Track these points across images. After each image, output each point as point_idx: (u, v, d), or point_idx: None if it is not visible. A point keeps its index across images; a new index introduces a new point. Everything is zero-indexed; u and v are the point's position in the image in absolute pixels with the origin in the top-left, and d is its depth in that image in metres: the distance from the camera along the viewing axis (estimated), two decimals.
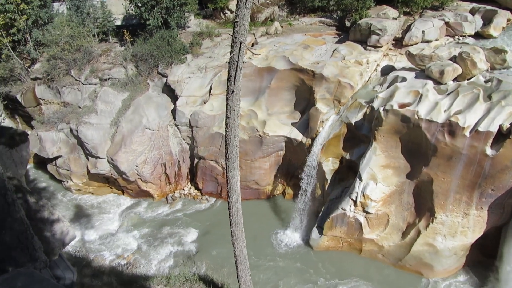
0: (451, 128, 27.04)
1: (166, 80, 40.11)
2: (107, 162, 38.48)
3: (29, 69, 43.93)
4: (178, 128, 39.64)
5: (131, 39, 43.41)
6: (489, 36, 38.26)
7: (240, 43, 9.81)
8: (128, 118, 38.63)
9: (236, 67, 10.18)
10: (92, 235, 36.89)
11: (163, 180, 40.54)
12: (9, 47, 41.86)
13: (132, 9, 44.67)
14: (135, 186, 39.57)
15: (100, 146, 38.16)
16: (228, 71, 10.53)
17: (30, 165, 43.68)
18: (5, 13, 40.46)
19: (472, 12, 40.38)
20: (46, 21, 44.37)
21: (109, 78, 41.47)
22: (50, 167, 41.62)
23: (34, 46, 44.08)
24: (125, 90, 40.57)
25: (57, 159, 40.29)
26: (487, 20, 39.10)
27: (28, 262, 5.70)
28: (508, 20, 39.68)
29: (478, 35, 38.95)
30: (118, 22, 47.96)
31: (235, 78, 10.23)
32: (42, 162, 42.95)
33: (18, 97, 42.77)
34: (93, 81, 41.41)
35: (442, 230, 29.46)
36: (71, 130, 39.09)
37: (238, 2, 9.73)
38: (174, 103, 39.35)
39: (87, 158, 39.49)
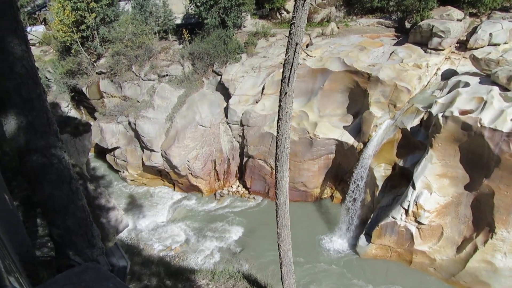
0: None
1: (220, 78, 40.93)
2: (161, 155, 40.04)
3: (94, 64, 46.82)
4: (229, 126, 40.32)
5: (189, 38, 44.78)
6: None
7: (296, 45, 9.78)
8: (182, 114, 39.92)
9: (291, 69, 10.16)
10: (143, 225, 38.59)
11: (213, 177, 41.45)
12: (79, 43, 44.85)
13: (191, 8, 46.07)
14: (185, 180, 40.82)
15: (155, 140, 39.78)
16: (283, 72, 10.54)
17: (91, 154, 46.55)
18: (76, 11, 43.41)
19: None
20: (113, 18, 47.01)
21: (166, 75, 43.08)
22: (108, 157, 44.10)
23: (100, 42, 46.90)
24: (181, 87, 41.95)
25: (115, 150, 42.61)
26: None
27: (86, 248, 6.08)
28: None
29: None
30: (178, 21, 49.73)
31: (289, 79, 10.22)
32: (101, 152, 45.61)
33: (84, 89, 45.73)
34: (152, 77, 43.24)
35: (503, 248, 27.45)
36: (129, 123, 41.13)
37: (295, 3, 9.70)
38: (227, 101, 40.07)
39: (143, 151, 41.35)
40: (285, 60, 10.36)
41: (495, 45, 35.58)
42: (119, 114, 42.31)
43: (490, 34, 35.60)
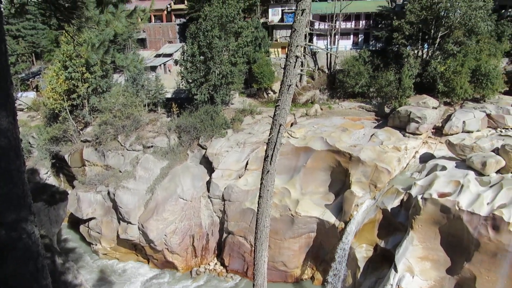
0: (495, 222, 25.43)
1: (205, 152, 41.36)
2: (138, 228, 38.73)
3: (81, 132, 47.06)
4: (210, 200, 39.85)
5: (178, 111, 46.03)
6: None
7: (280, 126, 10.16)
8: (164, 186, 39.50)
9: (274, 148, 10.43)
10: None
11: (190, 253, 39.88)
12: (68, 110, 45.48)
13: (182, 84, 47.99)
14: (161, 256, 39.10)
15: (133, 212, 38.76)
16: (266, 151, 10.78)
17: (64, 224, 44.70)
18: (70, 80, 44.68)
19: None
20: (105, 89, 48.36)
21: (152, 146, 43.40)
22: (82, 228, 42.37)
23: (89, 111, 47.66)
24: (165, 158, 42.06)
25: (90, 220, 41.11)
26: None
27: None
28: None
29: None
30: (169, 95, 51.48)
31: (271, 158, 10.42)
32: (75, 222, 43.87)
33: (66, 157, 45.32)
34: (137, 147, 43.44)
35: None
36: (108, 193, 40.30)
37: (281, 87, 10.28)
38: (210, 175, 40.07)
39: (119, 223, 40.01)
40: (269, 139, 10.67)
41: (468, 132, 37.57)
42: (99, 183, 41.60)
43: (464, 122, 37.74)
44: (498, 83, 42.23)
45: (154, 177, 40.55)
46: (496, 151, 31.36)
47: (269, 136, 10.61)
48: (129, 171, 41.53)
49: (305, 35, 47.83)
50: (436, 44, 45.52)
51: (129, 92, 47.34)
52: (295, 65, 9.38)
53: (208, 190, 39.82)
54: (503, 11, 51.78)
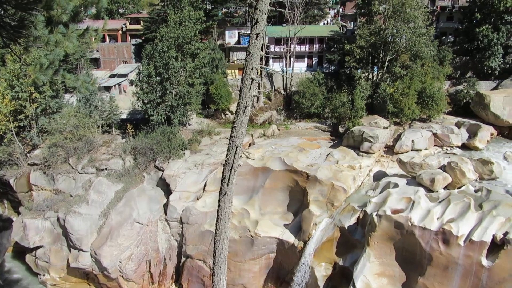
0: (445, 236, 26.67)
1: (162, 174, 40.44)
2: (90, 255, 36.75)
3: (28, 155, 44.50)
4: (168, 224, 38.76)
5: (133, 133, 44.91)
6: (475, 148, 39.90)
7: (236, 147, 10.17)
8: (118, 210, 38.00)
9: (231, 169, 10.39)
10: None
11: (146, 279, 38.29)
12: (14, 132, 42.98)
13: (138, 105, 47.03)
14: (115, 284, 37.21)
15: (85, 238, 36.82)
16: (223, 172, 10.72)
17: (8, 254, 41.55)
18: (17, 100, 42.40)
19: (458, 125, 42.73)
20: (55, 110, 46.30)
21: (106, 169, 41.81)
22: (28, 257, 39.56)
23: (38, 133, 45.31)
24: (120, 181, 40.62)
25: (38, 249, 38.51)
26: (472, 133, 41.21)
27: None
28: (492, 134, 41.89)
29: (464, 147, 40.64)
30: (124, 116, 50.19)
31: (229, 180, 10.37)
32: (21, 252, 40.91)
33: (11, 181, 42.54)
34: (90, 170, 41.67)
35: None
36: (58, 219, 38.09)
37: (237, 109, 10.34)
38: (167, 198, 39.11)
39: (70, 250, 37.80)
40: (226, 161, 10.63)
41: (417, 150, 39.53)
42: (48, 209, 39.26)
43: (413, 141, 39.71)
44: (442, 104, 45.11)
45: (108, 201, 38.93)
46: (443, 168, 33.22)
47: (226, 157, 10.58)
48: (81, 195, 39.62)
49: (261, 57, 48.84)
50: (385, 67, 48.04)
51: (81, 113, 45.67)
52: (250, 87, 9.51)
53: (166, 213, 38.77)
54: (444, 37, 55.86)
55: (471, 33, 49.73)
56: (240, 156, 10.69)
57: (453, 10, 57.60)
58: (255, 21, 9.15)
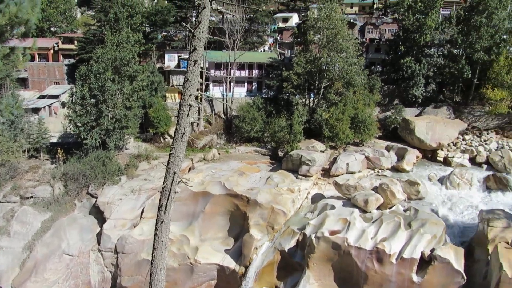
0: (379, 255, 27.96)
1: (96, 201, 38.29)
2: None
3: None
4: (101, 254, 36.46)
5: (64, 157, 42.26)
6: (403, 170, 42.78)
7: (174, 174, 9.96)
8: (45, 241, 35.13)
9: (168, 197, 10.13)
10: None
11: None
12: None
13: (70, 128, 44.50)
14: None
15: (5, 274, 33.44)
16: (160, 200, 10.41)
17: None
18: None
19: (388, 149, 45.69)
20: None
21: (31, 197, 38.71)
22: None
23: None
24: (48, 210, 37.76)
25: None
26: (400, 156, 44.25)
27: None
28: (417, 157, 45.32)
29: (394, 169, 43.42)
30: (54, 140, 47.15)
31: (166, 207, 10.09)
32: None
33: None
34: (13, 199, 38.31)
35: None
36: None
37: (174, 135, 10.19)
38: (101, 226, 36.95)
39: None
40: (163, 188, 10.35)
41: (352, 173, 41.46)
42: None
43: (347, 164, 41.64)
44: (373, 129, 48.11)
45: (33, 232, 35.86)
46: (375, 189, 35.13)
47: (163, 184, 10.31)
48: (2, 227, 36.11)
49: (201, 82, 49.00)
50: (321, 94, 50.36)
51: (4, 137, 42.14)
52: (188, 113, 9.46)
53: (99, 242, 36.48)
54: (373, 67, 60.09)
55: (396, 64, 54.00)
56: (178, 183, 10.48)
57: (380, 42, 62.33)
58: (192, 48, 9.21)
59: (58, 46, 68.01)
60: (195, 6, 58.12)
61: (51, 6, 74.27)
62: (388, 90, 56.45)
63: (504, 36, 49.76)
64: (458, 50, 51.91)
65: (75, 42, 65.57)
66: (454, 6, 63.40)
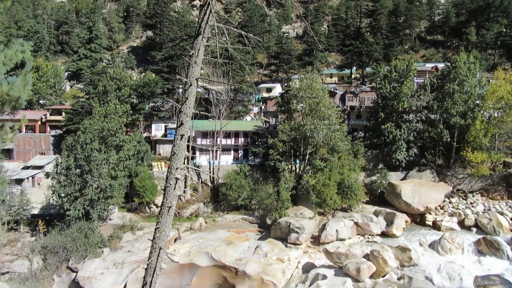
0: None
1: (76, 275, 36.31)
2: None
3: None
4: None
5: (45, 229, 40.74)
6: (393, 236, 42.31)
7: (160, 249, 9.69)
8: None
9: (153, 274, 9.75)
10: None
11: None
12: None
13: (53, 199, 43.48)
14: None
15: None
16: (144, 277, 10.00)
17: None
18: None
19: (376, 214, 45.52)
20: None
21: (7, 272, 36.60)
22: None
23: None
24: (24, 286, 35.50)
25: None
26: (389, 221, 44.00)
27: None
28: (406, 221, 45.12)
29: (384, 234, 42.93)
30: (36, 211, 45.77)
31: (150, 285, 9.66)
32: None
33: None
34: None
35: None
36: None
37: (161, 208, 10.08)
38: None
39: None
40: (148, 264, 9.99)
41: (341, 240, 40.72)
42: None
43: (337, 230, 41.06)
44: (360, 194, 48.28)
45: None
46: (367, 256, 34.38)
47: (148, 260, 9.98)
48: None
49: (188, 149, 49.40)
50: (306, 160, 51.06)
51: None
52: (175, 186, 9.46)
53: None
54: (355, 133, 61.92)
55: (378, 130, 55.86)
56: (163, 258, 10.16)
57: (361, 110, 64.94)
58: (179, 123, 9.48)
59: (46, 117, 68.78)
60: (181, 80, 60.51)
61: (41, 80, 76.26)
62: (372, 155, 57.68)
63: (477, 101, 52.56)
64: (435, 115, 54.34)
65: (63, 113, 66.50)
66: (427, 74, 67.47)
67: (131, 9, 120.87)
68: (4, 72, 11.34)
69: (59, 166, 43.51)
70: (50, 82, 78.50)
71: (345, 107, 65.79)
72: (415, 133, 54.25)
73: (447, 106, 51.97)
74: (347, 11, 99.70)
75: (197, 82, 9.56)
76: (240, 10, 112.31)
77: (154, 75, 72.66)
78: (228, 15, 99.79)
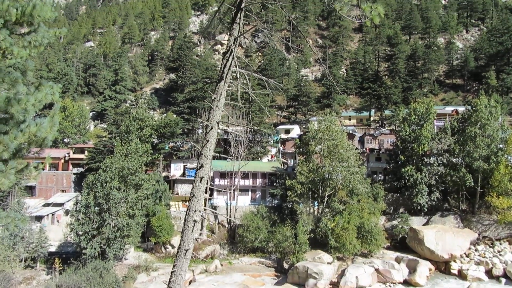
0: None
1: None
2: None
3: None
4: None
5: (61, 268, 40.65)
6: (416, 284, 40.34)
7: None
8: None
9: None
10: None
11: None
12: None
13: (71, 237, 43.70)
14: None
15: None
16: None
17: None
18: None
19: (397, 260, 43.73)
20: None
21: None
22: None
23: None
24: None
25: None
26: (412, 268, 42.11)
27: None
28: (430, 269, 43.09)
29: (406, 283, 40.97)
30: (53, 249, 45.96)
31: None
32: None
33: None
34: None
35: None
36: None
37: (178, 251, 9.97)
38: None
39: None
40: None
41: (362, 287, 39.04)
42: None
43: (356, 277, 39.49)
44: (381, 239, 46.73)
45: None
46: None
47: None
48: None
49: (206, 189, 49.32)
50: (325, 202, 50.24)
51: (3, 245, 41.21)
52: (193, 229, 9.42)
53: None
54: (375, 175, 60.99)
55: (398, 173, 54.90)
56: None
57: (380, 152, 64.33)
58: (200, 165, 9.60)
59: (69, 156, 70.64)
60: (201, 121, 61.78)
61: (67, 120, 79.15)
62: (392, 198, 56.38)
63: (500, 145, 51.40)
64: (457, 159, 53.18)
65: (86, 152, 68.23)
66: (448, 117, 66.96)
67: (156, 53, 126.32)
68: (33, 113, 11.90)
69: (78, 204, 44.09)
70: (75, 121, 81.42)
71: (364, 149, 65.32)
72: (436, 176, 53.04)
73: (469, 150, 50.96)
74: (365, 55, 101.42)
75: (218, 126, 9.76)
76: (260, 54, 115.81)
77: (175, 116, 74.49)
78: (249, 59, 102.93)
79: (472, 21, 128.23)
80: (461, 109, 66.66)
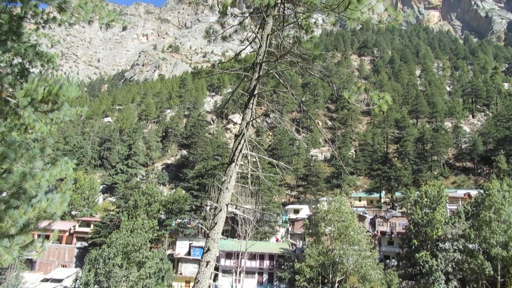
0: None
1: None
2: None
3: None
4: None
5: None
6: None
7: None
8: None
9: None
10: None
11: None
12: None
13: None
14: None
15: None
16: None
17: None
18: None
19: None
20: None
21: None
22: None
23: None
24: None
25: None
26: None
27: None
28: None
29: None
30: None
31: None
32: None
33: None
34: None
35: None
36: None
37: None
38: None
39: None
40: None
41: None
42: None
43: None
44: None
45: None
46: None
47: None
48: None
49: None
50: None
51: None
52: None
53: None
54: (388, 260, 58.31)
55: (412, 258, 52.35)
56: None
57: (392, 235, 62.16)
58: (206, 249, 9.34)
59: (74, 229, 69.69)
60: (209, 197, 61.55)
61: (76, 192, 79.53)
62: (407, 286, 53.16)
63: None
64: (474, 245, 50.88)
65: (92, 225, 67.37)
66: (460, 201, 65.59)
67: (170, 129, 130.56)
68: (46, 188, 12.06)
69: (77, 281, 42.39)
70: (85, 194, 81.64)
71: (375, 232, 63.37)
72: (453, 263, 50.35)
73: (486, 236, 48.96)
74: (374, 137, 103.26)
75: (227, 208, 9.68)
76: (270, 134, 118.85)
77: (184, 191, 74.49)
78: (259, 138, 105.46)
79: (478, 106, 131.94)
80: (473, 192, 65.58)
